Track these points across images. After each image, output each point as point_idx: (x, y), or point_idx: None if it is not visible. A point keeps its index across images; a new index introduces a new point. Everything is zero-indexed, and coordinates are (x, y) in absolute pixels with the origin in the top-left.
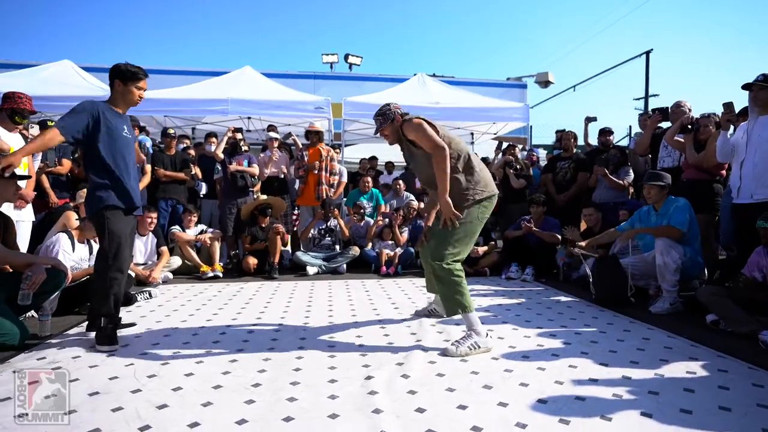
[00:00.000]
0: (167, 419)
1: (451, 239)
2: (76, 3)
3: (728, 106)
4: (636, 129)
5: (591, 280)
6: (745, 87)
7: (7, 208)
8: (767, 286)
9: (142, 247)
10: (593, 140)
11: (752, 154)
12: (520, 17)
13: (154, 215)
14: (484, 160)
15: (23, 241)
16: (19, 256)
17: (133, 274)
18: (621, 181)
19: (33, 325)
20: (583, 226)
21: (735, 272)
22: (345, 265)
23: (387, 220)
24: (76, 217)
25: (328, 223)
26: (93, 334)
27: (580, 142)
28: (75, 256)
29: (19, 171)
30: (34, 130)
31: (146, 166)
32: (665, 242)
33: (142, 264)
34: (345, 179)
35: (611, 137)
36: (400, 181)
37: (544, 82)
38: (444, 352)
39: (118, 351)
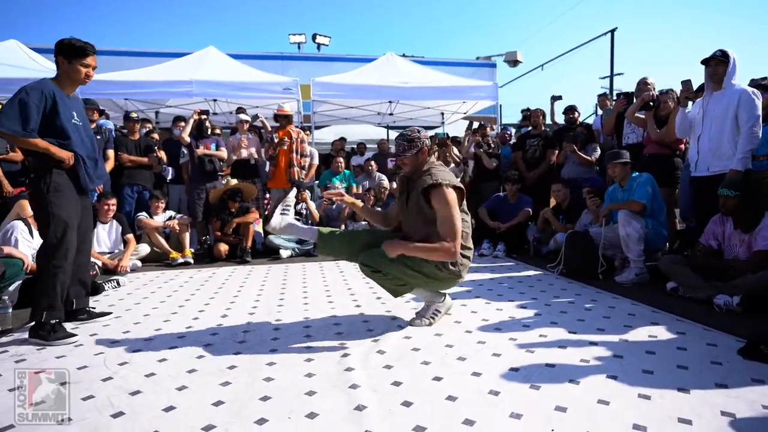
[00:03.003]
0: (141, 405)
1: (402, 269)
2: None
3: (686, 84)
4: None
5: (563, 253)
6: (704, 62)
7: None
8: (722, 254)
9: (106, 236)
10: (559, 118)
11: (708, 129)
12: None
13: (112, 201)
14: (455, 139)
15: None
16: None
17: (99, 263)
18: (589, 157)
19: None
20: (553, 201)
21: (694, 241)
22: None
23: (360, 201)
24: None
25: (298, 207)
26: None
27: (548, 120)
28: (35, 243)
29: None
30: None
31: (109, 151)
32: (626, 214)
33: (108, 253)
34: (316, 161)
35: (576, 114)
36: (373, 162)
37: (513, 61)
38: (411, 323)
39: (86, 341)
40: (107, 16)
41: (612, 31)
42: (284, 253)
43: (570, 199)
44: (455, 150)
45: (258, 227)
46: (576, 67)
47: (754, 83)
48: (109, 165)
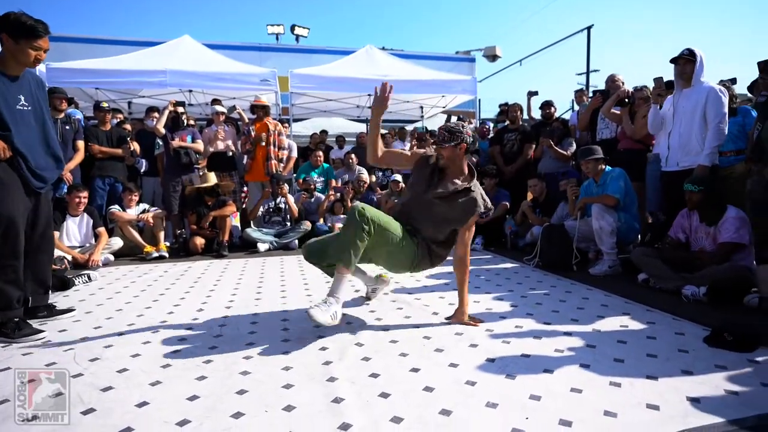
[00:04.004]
0: (113, 401)
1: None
2: None
3: (658, 81)
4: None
5: (539, 246)
6: (672, 60)
7: None
8: (689, 246)
9: (76, 229)
10: (536, 113)
11: (678, 125)
12: None
13: (83, 194)
14: (432, 133)
15: None
16: None
17: (69, 258)
18: (565, 152)
19: None
20: (530, 195)
21: (663, 234)
22: (297, 241)
23: (339, 194)
24: None
25: (276, 201)
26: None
27: (525, 116)
28: None
29: None
30: None
31: (79, 142)
32: (599, 208)
33: (79, 247)
34: (295, 154)
35: (552, 110)
36: (353, 155)
37: (491, 56)
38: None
39: (56, 336)
40: (79, 1)
41: (588, 29)
42: (262, 247)
43: (546, 193)
44: None
45: (235, 221)
46: (554, 63)
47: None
48: (79, 156)
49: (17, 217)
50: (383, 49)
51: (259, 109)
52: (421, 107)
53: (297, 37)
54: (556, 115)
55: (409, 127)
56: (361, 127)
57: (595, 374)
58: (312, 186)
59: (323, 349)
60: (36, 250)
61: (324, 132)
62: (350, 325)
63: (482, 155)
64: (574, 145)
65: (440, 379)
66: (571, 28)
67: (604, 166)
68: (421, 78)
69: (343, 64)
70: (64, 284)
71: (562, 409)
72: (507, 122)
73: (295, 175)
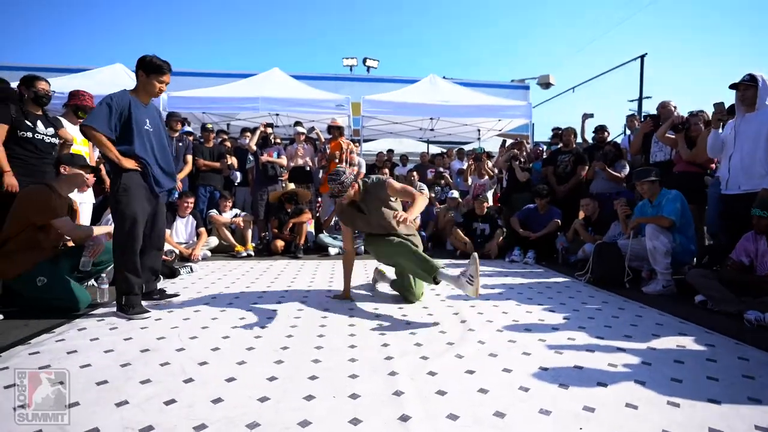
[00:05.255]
0: (208, 374)
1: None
2: (125, 13)
3: (719, 106)
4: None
5: (591, 262)
6: (732, 87)
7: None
8: (753, 270)
9: (183, 228)
10: (589, 136)
11: (739, 149)
12: (527, 22)
13: (191, 200)
14: (488, 154)
15: (85, 220)
16: (83, 230)
17: (177, 251)
18: (618, 174)
19: (93, 292)
20: (581, 214)
21: (722, 257)
22: (363, 247)
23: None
24: None
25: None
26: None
27: (578, 138)
28: None
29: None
30: None
31: (188, 156)
32: (653, 228)
33: (184, 243)
34: (363, 170)
35: (606, 134)
36: (415, 173)
37: (545, 84)
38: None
39: (165, 316)
40: (189, 41)
41: (642, 57)
42: (332, 251)
43: (599, 213)
44: (489, 164)
45: (310, 227)
46: (605, 89)
47: None
48: (187, 168)
49: (139, 218)
50: (444, 77)
51: (335, 130)
52: (478, 130)
53: (368, 68)
54: (609, 139)
55: (467, 148)
56: (423, 147)
57: (652, 392)
58: None
59: (385, 345)
60: (152, 246)
61: (390, 151)
62: (409, 325)
63: (534, 175)
64: (627, 167)
65: (494, 382)
66: (623, 55)
67: (659, 188)
68: (480, 103)
69: (409, 91)
70: (173, 273)
71: (617, 424)
72: (560, 145)
73: None
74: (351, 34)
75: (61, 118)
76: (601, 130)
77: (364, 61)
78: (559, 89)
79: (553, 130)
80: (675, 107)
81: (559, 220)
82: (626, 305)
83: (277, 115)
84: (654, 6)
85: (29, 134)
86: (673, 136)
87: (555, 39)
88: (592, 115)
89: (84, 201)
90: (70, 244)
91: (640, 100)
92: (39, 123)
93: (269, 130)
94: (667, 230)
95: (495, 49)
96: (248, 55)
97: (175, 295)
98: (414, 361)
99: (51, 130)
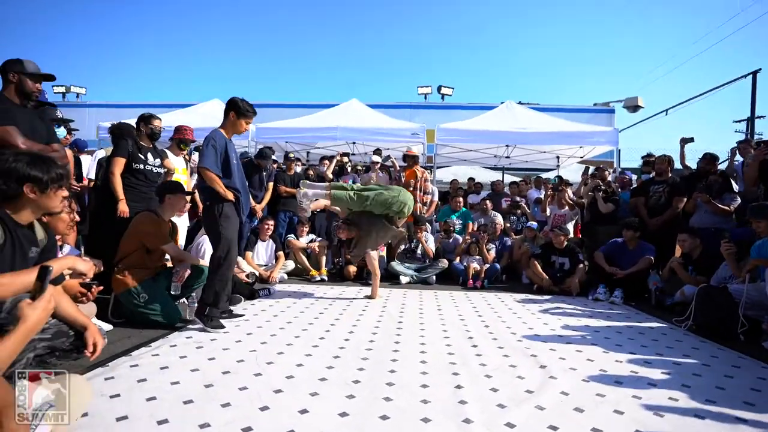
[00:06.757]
0: (282, 403)
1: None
2: (224, 55)
3: None
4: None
5: (694, 306)
6: None
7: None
8: None
9: (263, 251)
10: (691, 162)
11: None
12: (610, 43)
13: (271, 223)
14: (568, 183)
15: (180, 242)
16: (186, 256)
17: (257, 273)
18: (726, 207)
19: (183, 309)
20: (678, 251)
21: None
22: (434, 276)
23: (474, 238)
24: None
25: (411, 245)
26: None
27: (677, 165)
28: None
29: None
30: (195, 155)
31: (269, 183)
32: None
33: (264, 265)
34: (436, 198)
35: (715, 165)
36: (488, 201)
37: (633, 107)
38: None
39: (244, 338)
40: (274, 75)
41: (754, 73)
42: (403, 279)
43: (701, 250)
44: (570, 193)
45: (382, 253)
46: (704, 109)
47: None
48: (268, 195)
49: (235, 242)
50: (520, 103)
51: (410, 159)
52: (558, 157)
53: (443, 95)
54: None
55: (544, 176)
56: (497, 175)
57: None
58: (451, 228)
59: (458, 387)
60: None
61: (471, 179)
62: (484, 367)
63: (622, 206)
64: (738, 200)
65: None
66: (724, 74)
67: None
68: (560, 130)
69: (484, 118)
70: (252, 294)
71: None
72: (652, 174)
73: (435, 216)
74: (426, 63)
75: (167, 150)
76: (711, 160)
77: (439, 89)
78: (648, 112)
79: (643, 157)
80: None
81: (652, 257)
82: (743, 363)
83: (354, 143)
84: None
85: (141, 166)
86: None
87: (641, 61)
88: (692, 140)
89: (180, 224)
90: (169, 264)
91: (751, 120)
92: (149, 155)
93: (345, 159)
94: None
95: (575, 74)
96: (329, 86)
97: (240, 315)
98: (490, 408)
99: (158, 161)
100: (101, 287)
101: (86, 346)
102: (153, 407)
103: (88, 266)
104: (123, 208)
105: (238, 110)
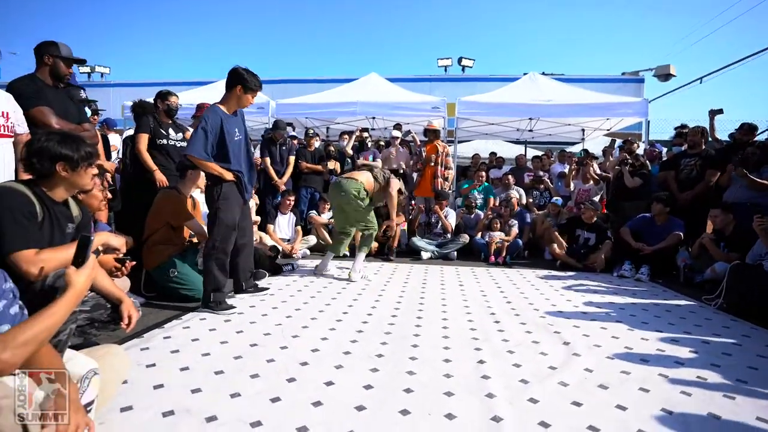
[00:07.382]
0: (308, 375)
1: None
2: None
3: None
4: None
5: (725, 284)
6: None
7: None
8: None
9: (285, 224)
10: (722, 134)
11: None
12: (642, 5)
13: (292, 197)
14: (593, 156)
15: (203, 217)
16: (202, 230)
17: (280, 248)
18: (765, 181)
19: None
20: (710, 227)
21: None
22: (455, 252)
23: (495, 213)
24: None
25: (430, 217)
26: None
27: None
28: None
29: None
30: None
31: (291, 158)
32: None
33: (286, 240)
34: (453, 173)
35: (754, 135)
36: (510, 176)
37: (664, 75)
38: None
39: (270, 312)
40: (295, 50)
41: None
42: (425, 255)
43: (735, 226)
44: (595, 167)
45: (403, 228)
46: (742, 78)
47: None
48: (289, 169)
49: (234, 224)
50: (543, 73)
51: (431, 133)
52: (583, 130)
53: (463, 67)
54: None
55: (569, 149)
56: (520, 149)
57: None
58: (473, 203)
59: (481, 362)
60: (243, 247)
61: (493, 154)
62: (507, 342)
63: (652, 180)
64: None
65: (606, 419)
66: (764, 39)
67: None
68: (586, 101)
69: (507, 90)
70: (276, 270)
71: None
72: (684, 146)
73: (453, 191)
74: (446, 33)
75: (189, 128)
76: (748, 130)
77: (460, 60)
78: (680, 81)
79: (676, 128)
80: None
81: (681, 233)
82: None
83: (374, 118)
84: None
85: (164, 141)
86: None
87: (673, 28)
88: (721, 111)
89: (202, 200)
90: (195, 240)
91: None
92: (171, 130)
93: (365, 134)
94: None
95: (605, 39)
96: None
97: (265, 289)
98: (512, 384)
99: (180, 135)
100: (134, 262)
101: (122, 318)
102: (186, 377)
103: (121, 242)
104: (160, 177)
105: (245, 84)
